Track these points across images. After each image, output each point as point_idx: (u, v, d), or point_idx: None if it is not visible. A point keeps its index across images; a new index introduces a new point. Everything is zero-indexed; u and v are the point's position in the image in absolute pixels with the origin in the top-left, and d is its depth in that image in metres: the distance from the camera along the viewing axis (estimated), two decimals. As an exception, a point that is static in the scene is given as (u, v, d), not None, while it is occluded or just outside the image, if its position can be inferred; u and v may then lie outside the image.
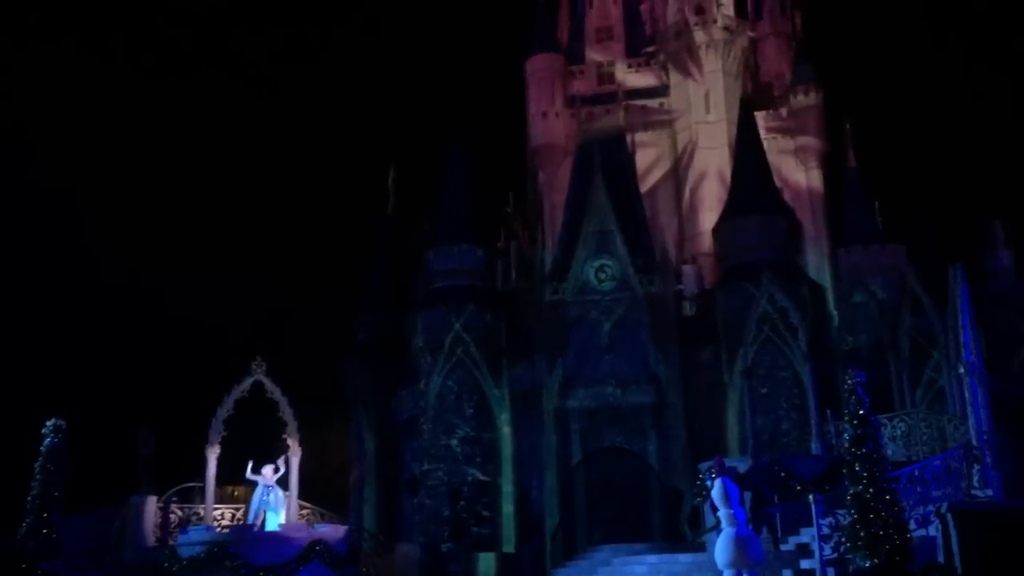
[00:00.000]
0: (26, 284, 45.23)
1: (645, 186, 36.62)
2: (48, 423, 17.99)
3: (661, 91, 39.51)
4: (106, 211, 51.90)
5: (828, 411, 22.37)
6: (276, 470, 20.60)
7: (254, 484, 20.59)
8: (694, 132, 38.62)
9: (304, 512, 23.36)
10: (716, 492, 14.62)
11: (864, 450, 14.37)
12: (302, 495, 21.98)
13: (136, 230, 53.62)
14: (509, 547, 28.48)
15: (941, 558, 14.00)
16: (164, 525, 22.60)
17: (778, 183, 34.57)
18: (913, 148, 54.05)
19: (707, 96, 38.49)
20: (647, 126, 39.07)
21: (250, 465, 20.51)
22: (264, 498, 20.25)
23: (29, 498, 17.62)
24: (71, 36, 59.94)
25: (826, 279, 35.63)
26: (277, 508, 20.22)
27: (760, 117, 37.24)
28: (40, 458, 17.74)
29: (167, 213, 55.90)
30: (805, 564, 16.40)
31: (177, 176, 57.03)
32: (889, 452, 18.86)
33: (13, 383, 39.39)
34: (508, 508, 29.59)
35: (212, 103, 65.12)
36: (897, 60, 59.72)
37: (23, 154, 49.50)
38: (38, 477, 17.64)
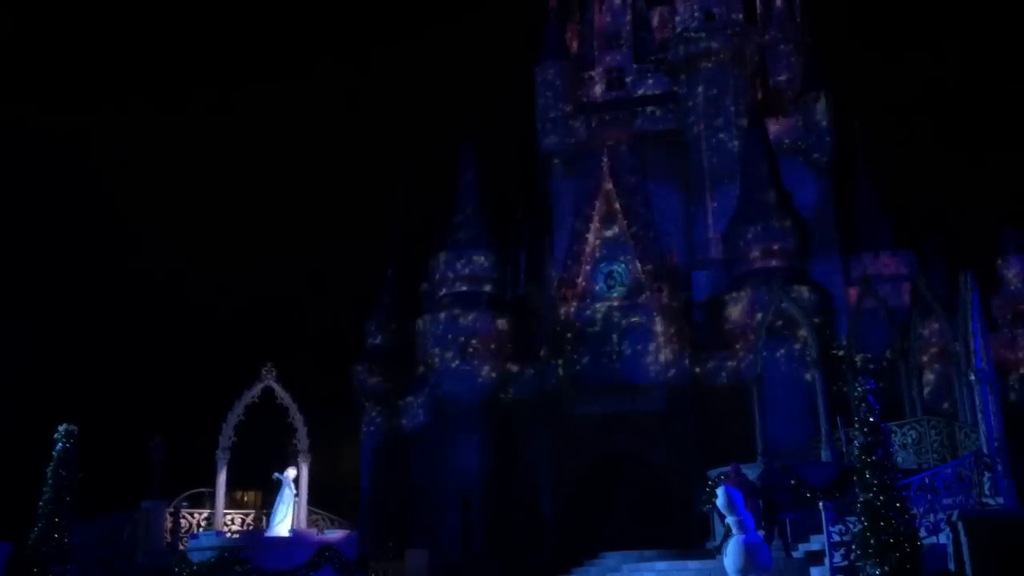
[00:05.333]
0: (39, 290, 45.55)
1: (654, 192, 36.62)
2: (60, 428, 18.05)
3: (670, 97, 39.51)
4: (118, 218, 52.17)
5: (838, 418, 22.29)
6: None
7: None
8: (703, 138, 38.57)
9: (313, 518, 23.39)
10: (721, 501, 14.57)
11: (874, 457, 14.36)
12: (311, 501, 21.99)
13: (147, 237, 53.88)
14: (518, 553, 28.47)
15: (952, 566, 13.95)
16: (175, 530, 22.71)
17: (787, 189, 34.50)
18: (924, 155, 53.87)
19: (716, 102, 38.45)
20: (656, 132, 39.06)
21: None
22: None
23: (41, 503, 17.67)
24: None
25: (836, 286, 35.54)
26: (279, 506, 19.99)
27: (770, 123, 37.23)
28: (52, 463, 17.80)
29: (179, 219, 56.28)
30: (816, 572, 16.35)
31: (188, 182, 57.36)
32: (899, 460, 18.82)
33: (26, 389, 39.64)
34: (517, 515, 29.59)
35: (223, 110, 65.44)
36: (908, 66, 59.63)
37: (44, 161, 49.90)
38: (50, 482, 17.70)
